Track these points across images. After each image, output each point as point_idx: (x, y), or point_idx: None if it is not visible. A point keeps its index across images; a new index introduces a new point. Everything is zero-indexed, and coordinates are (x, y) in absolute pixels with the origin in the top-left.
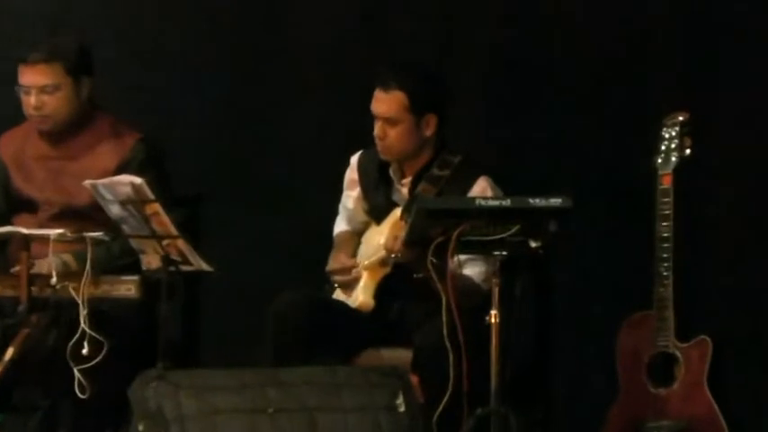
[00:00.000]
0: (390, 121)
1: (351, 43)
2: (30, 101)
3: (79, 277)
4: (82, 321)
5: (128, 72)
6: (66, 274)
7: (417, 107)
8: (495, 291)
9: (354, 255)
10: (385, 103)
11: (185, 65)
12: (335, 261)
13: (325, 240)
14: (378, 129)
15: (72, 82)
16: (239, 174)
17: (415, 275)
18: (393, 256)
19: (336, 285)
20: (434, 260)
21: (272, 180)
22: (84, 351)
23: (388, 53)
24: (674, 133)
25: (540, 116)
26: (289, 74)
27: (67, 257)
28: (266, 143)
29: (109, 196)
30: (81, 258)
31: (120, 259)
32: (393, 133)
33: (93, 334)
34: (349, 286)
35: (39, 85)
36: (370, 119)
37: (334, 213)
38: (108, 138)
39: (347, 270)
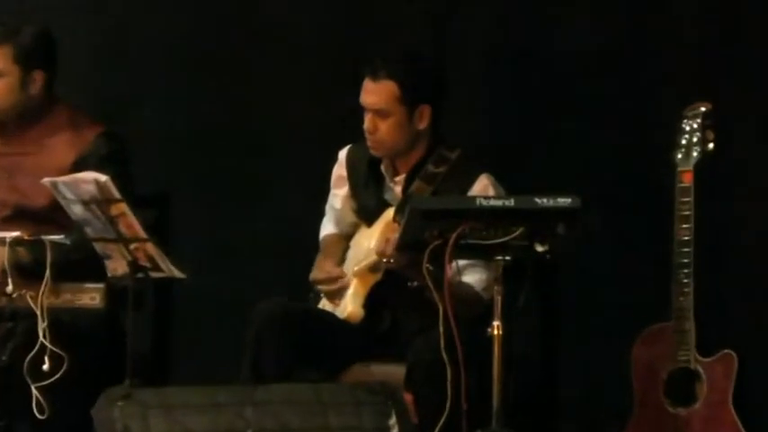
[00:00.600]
0: (381, 114)
1: (337, 27)
2: None
3: (37, 285)
4: (41, 334)
5: (86, 59)
6: (19, 269)
7: (409, 98)
8: (498, 300)
9: (343, 260)
10: (374, 93)
11: (148, 49)
12: (320, 269)
13: (309, 244)
14: (368, 122)
15: (20, 72)
16: (212, 170)
17: (409, 284)
18: (385, 261)
19: (322, 294)
20: (430, 266)
21: (250, 177)
22: (44, 367)
23: (377, 39)
24: (695, 126)
25: (545, 108)
26: (267, 59)
27: (20, 250)
28: (242, 136)
29: (70, 195)
30: (34, 251)
31: (73, 253)
32: (384, 126)
33: (54, 348)
34: (336, 296)
35: None
36: (359, 110)
37: (320, 214)
38: (65, 130)
39: (333, 280)
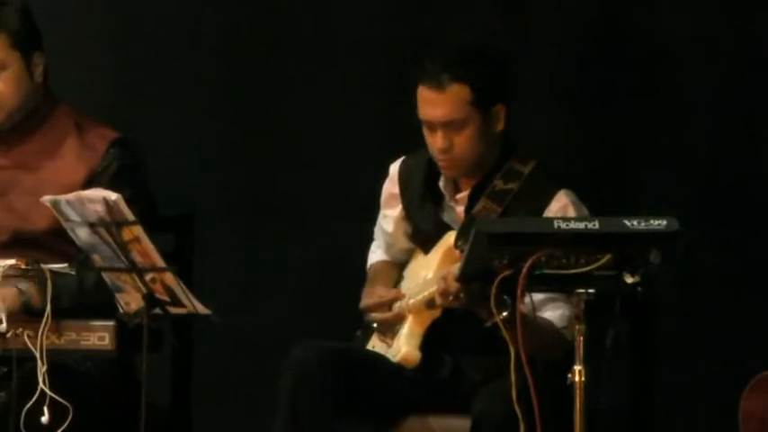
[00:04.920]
0: (454, 126)
1: (380, 31)
2: None
3: (35, 322)
4: (40, 380)
5: (100, 60)
6: (27, 312)
7: (484, 99)
8: (580, 341)
9: None
10: (442, 104)
11: (170, 52)
12: (371, 295)
13: (354, 275)
14: (440, 140)
15: (21, 57)
16: (241, 189)
17: (486, 324)
18: (450, 299)
19: (375, 326)
20: (507, 299)
21: (285, 197)
22: (44, 419)
23: (424, 42)
24: None
25: (636, 109)
26: (303, 64)
27: (27, 287)
28: (276, 149)
29: (75, 217)
30: (45, 286)
31: (94, 294)
32: (460, 140)
33: (55, 396)
34: (390, 328)
35: None
36: (410, 120)
37: (367, 239)
38: (71, 139)
39: (387, 305)
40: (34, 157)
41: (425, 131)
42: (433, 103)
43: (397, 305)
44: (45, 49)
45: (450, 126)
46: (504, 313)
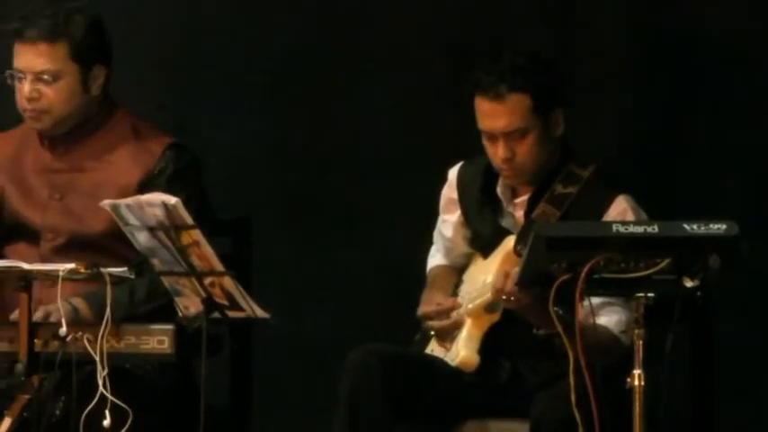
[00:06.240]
0: (517, 134)
1: (436, 35)
2: (23, 90)
3: (95, 326)
4: (100, 384)
5: (156, 64)
6: (77, 323)
7: (544, 105)
8: (639, 345)
9: (454, 296)
10: (503, 114)
11: (226, 55)
12: (429, 302)
13: (413, 278)
14: (501, 149)
15: (78, 71)
16: (299, 192)
17: (534, 331)
18: (504, 299)
19: (433, 333)
20: (558, 309)
21: (343, 201)
22: (104, 423)
23: (481, 51)
24: None
25: (694, 111)
26: (361, 70)
27: (78, 302)
28: (334, 153)
29: (134, 221)
30: (96, 303)
31: (146, 304)
32: (522, 148)
33: (115, 400)
34: (448, 335)
35: (35, 71)
36: (468, 124)
37: (426, 243)
38: (128, 143)
39: (446, 312)
40: (91, 160)
41: (486, 142)
42: (494, 115)
43: (454, 313)
44: (111, 63)
45: (512, 135)
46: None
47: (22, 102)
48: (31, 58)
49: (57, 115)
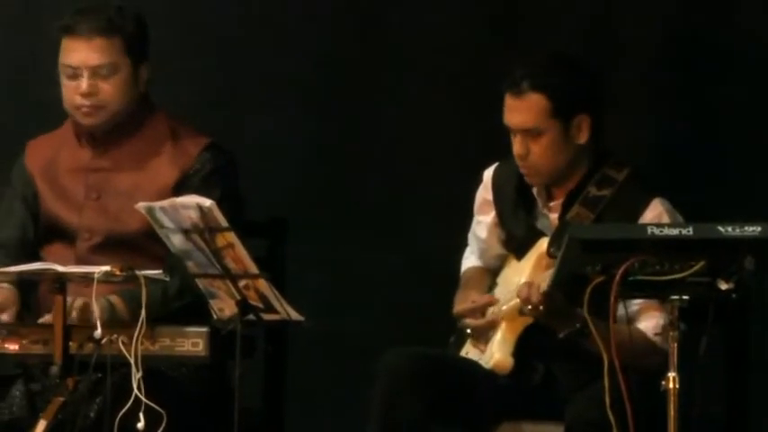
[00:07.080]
0: (531, 133)
1: (473, 36)
2: (80, 86)
3: (130, 328)
4: (135, 387)
5: (194, 65)
6: (113, 322)
7: (562, 109)
8: (674, 347)
9: None
10: (520, 111)
11: (264, 56)
12: (464, 301)
13: (448, 280)
14: (517, 146)
15: (131, 64)
16: (334, 194)
17: (560, 335)
18: (529, 309)
19: (469, 332)
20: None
21: (379, 202)
22: (139, 425)
23: (520, 48)
24: None
25: (729, 112)
26: (399, 71)
27: (115, 299)
28: (370, 155)
29: (169, 223)
30: (133, 300)
31: (177, 300)
32: (536, 148)
33: (150, 403)
34: (483, 335)
35: (92, 65)
36: (504, 126)
37: (461, 245)
38: (166, 143)
39: (481, 310)
40: (129, 160)
41: (511, 137)
42: (512, 110)
43: (490, 311)
44: (149, 61)
45: (527, 133)
46: (577, 325)
47: (73, 98)
48: (86, 53)
49: (112, 110)
